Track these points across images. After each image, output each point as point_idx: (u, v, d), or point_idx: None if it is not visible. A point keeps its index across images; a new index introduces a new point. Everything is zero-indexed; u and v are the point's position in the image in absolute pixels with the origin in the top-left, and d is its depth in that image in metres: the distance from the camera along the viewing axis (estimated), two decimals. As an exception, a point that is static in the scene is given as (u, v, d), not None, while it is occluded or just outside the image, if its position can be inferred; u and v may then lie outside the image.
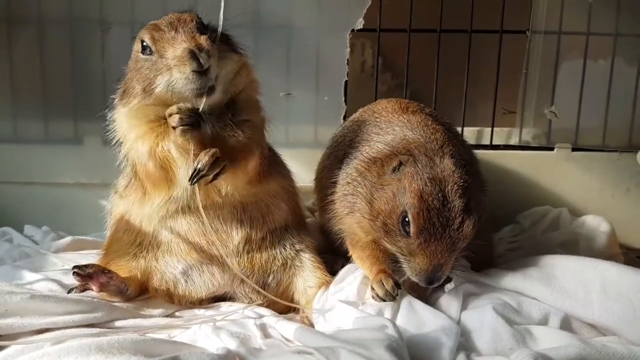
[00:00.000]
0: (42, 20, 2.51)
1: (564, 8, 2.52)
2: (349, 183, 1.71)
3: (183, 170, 1.70)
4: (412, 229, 1.52)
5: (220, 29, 1.71)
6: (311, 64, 2.55)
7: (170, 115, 1.61)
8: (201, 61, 1.57)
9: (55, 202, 2.53)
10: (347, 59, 2.54)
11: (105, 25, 2.48)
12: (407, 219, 1.53)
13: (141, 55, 1.68)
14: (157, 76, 1.63)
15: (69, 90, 2.54)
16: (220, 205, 1.79)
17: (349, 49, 2.53)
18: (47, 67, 2.54)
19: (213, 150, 1.62)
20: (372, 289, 1.65)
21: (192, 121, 1.60)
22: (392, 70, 2.89)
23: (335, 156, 1.94)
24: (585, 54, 2.55)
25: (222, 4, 1.66)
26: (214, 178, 1.63)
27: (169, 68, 1.61)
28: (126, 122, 1.75)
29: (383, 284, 1.62)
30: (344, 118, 2.53)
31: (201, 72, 1.58)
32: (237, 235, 1.81)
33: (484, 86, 2.60)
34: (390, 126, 1.80)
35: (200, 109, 1.62)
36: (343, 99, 2.57)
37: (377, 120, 1.88)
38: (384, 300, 1.60)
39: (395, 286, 1.60)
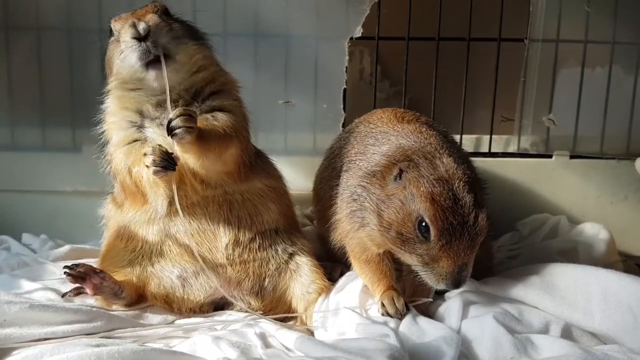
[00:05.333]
0: (40, 28, 2.50)
1: (561, 16, 2.53)
2: (355, 200, 1.69)
3: (152, 198, 1.77)
4: (432, 232, 1.50)
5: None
6: (310, 72, 2.55)
7: (145, 154, 1.66)
8: (139, 28, 1.66)
9: (53, 210, 2.52)
10: (346, 67, 2.53)
11: (103, 33, 2.48)
12: (423, 224, 1.50)
13: (111, 39, 1.79)
14: (114, 52, 1.74)
15: (67, 98, 2.54)
16: (206, 202, 1.80)
17: (347, 57, 2.53)
18: (45, 75, 2.54)
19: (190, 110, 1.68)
20: (382, 305, 1.65)
21: (165, 165, 1.64)
22: (391, 78, 2.89)
23: (333, 168, 1.94)
24: (583, 62, 2.56)
25: None
26: (183, 137, 1.64)
27: (118, 41, 1.71)
28: (109, 117, 1.83)
29: (394, 301, 1.63)
30: (343, 126, 2.53)
31: (140, 38, 1.66)
32: (225, 236, 1.81)
33: (483, 94, 2.61)
34: (385, 136, 1.79)
35: (172, 114, 1.64)
36: (342, 106, 2.56)
37: (373, 130, 1.88)
38: (391, 317, 1.60)
39: (404, 306, 1.61)
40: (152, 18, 1.71)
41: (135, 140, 1.79)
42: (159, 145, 1.67)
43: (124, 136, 1.79)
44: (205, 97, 1.82)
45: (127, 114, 1.80)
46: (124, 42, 1.69)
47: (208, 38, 1.90)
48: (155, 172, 1.65)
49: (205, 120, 1.75)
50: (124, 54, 1.70)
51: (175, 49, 1.73)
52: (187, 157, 1.73)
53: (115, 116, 1.82)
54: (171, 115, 1.63)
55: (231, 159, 1.79)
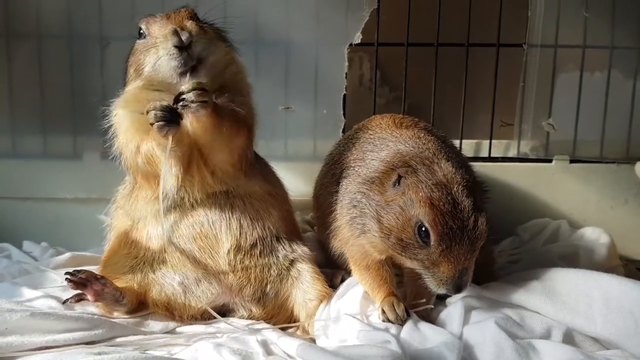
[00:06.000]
0: (41, 36, 2.51)
1: (560, 21, 2.54)
2: (355, 206, 1.69)
3: (165, 168, 1.75)
4: (432, 237, 1.50)
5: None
6: (310, 78, 2.56)
7: (147, 112, 1.65)
8: (182, 37, 1.67)
9: (54, 218, 2.52)
10: (346, 73, 2.54)
11: (104, 41, 2.49)
12: (423, 229, 1.50)
13: (138, 41, 1.79)
14: (147, 56, 1.73)
15: (67, 105, 2.54)
16: (208, 205, 1.81)
17: (347, 63, 2.53)
18: (46, 83, 2.54)
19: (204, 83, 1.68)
20: (383, 312, 1.65)
21: (168, 118, 1.64)
22: (390, 83, 2.90)
23: (333, 174, 1.94)
24: (582, 67, 2.57)
25: None
26: (197, 111, 1.64)
27: (155, 46, 1.71)
28: (120, 109, 1.82)
29: (394, 308, 1.62)
30: (343, 131, 2.54)
31: (182, 47, 1.67)
32: (226, 241, 1.81)
33: (482, 99, 2.61)
34: (384, 142, 1.80)
35: (185, 87, 1.64)
36: (342, 112, 2.57)
37: (371, 136, 1.88)
38: (392, 324, 1.60)
39: (405, 312, 1.61)
40: (193, 27, 1.71)
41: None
42: (160, 101, 1.67)
43: (133, 123, 1.78)
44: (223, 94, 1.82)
45: (140, 108, 1.77)
46: (164, 48, 1.68)
47: (231, 39, 1.92)
48: (159, 128, 1.64)
49: (223, 101, 1.76)
50: (162, 60, 1.70)
51: (209, 53, 1.73)
52: (199, 131, 1.71)
53: (126, 109, 1.81)
54: (183, 88, 1.64)
55: (237, 149, 1.80)
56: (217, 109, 1.70)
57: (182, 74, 1.70)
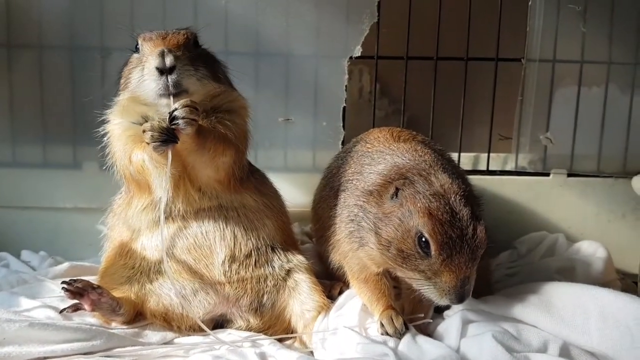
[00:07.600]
0: (42, 46, 2.52)
1: (558, 37, 2.56)
2: (352, 220, 1.71)
3: (157, 181, 1.76)
4: (432, 246, 1.50)
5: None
6: (310, 90, 2.58)
7: (144, 131, 1.66)
8: (166, 60, 1.66)
9: (53, 227, 2.52)
10: (345, 85, 2.56)
11: (105, 51, 2.50)
12: (423, 239, 1.51)
13: (134, 54, 1.80)
14: (135, 71, 1.75)
15: (68, 115, 2.55)
16: (202, 217, 1.82)
17: (347, 76, 2.55)
18: (46, 93, 2.55)
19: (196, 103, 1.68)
20: (382, 325, 1.66)
21: (164, 138, 1.65)
22: (390, 96, 2.92)
23: (331, 187, 1.95)
24: (580, 81, 2.59)
25: None
26: (184, 128, 1.64)
27: (142, 64, 1.72)
28: (114, 118, 1.84)
29: (393, 321, 1.63)
30: (342, 143, 2.55)
31: (163, 71, 1.67)
32: (221, 252, 1.82)
33: (480, 112, 2.63)
34: (381, 156, 1.81)
35: (177, 104, 1.65)
36: (341, 124, 2.59)
37: (369, 150, 1.89)
38: (391, 337, 1.61)
39: (403, 325, 1.62)
40: (181, 54, 1.70)
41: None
42: (158, 120, 1.67)
43: (125, 131, 1.80)
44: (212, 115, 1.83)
45: (132, 118, 1.81)
46: (147, 68, 1.70)
47: (229, 72, 1.92)
48: (155, 148, 1.66)
49: (210, 122, 1.77)
50: (143, 79, 1.71)
51: (194, 87, 1.73)
52: (183, 151, 1.73)
53: (119, 119, 1.83)
54: (176, 105, 1.65)
55: (223, 166, 1.81)
56: (201, 130, 1.71)
57: (162, 96, 1.70)
